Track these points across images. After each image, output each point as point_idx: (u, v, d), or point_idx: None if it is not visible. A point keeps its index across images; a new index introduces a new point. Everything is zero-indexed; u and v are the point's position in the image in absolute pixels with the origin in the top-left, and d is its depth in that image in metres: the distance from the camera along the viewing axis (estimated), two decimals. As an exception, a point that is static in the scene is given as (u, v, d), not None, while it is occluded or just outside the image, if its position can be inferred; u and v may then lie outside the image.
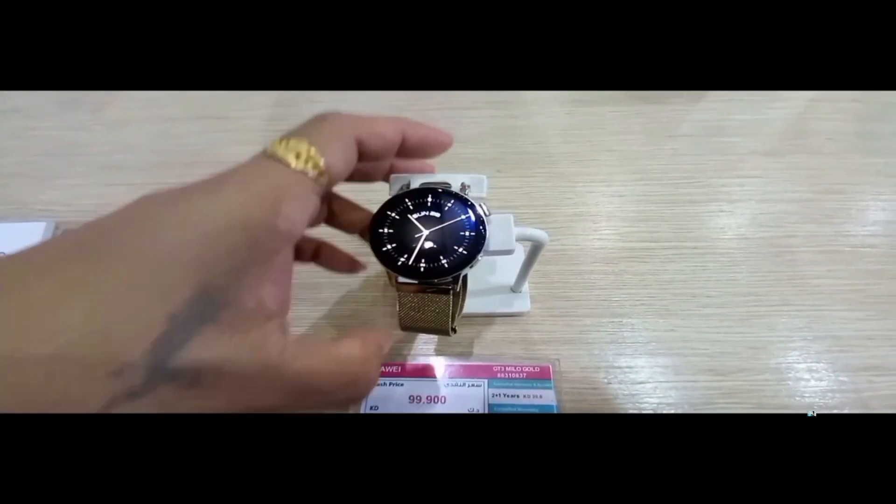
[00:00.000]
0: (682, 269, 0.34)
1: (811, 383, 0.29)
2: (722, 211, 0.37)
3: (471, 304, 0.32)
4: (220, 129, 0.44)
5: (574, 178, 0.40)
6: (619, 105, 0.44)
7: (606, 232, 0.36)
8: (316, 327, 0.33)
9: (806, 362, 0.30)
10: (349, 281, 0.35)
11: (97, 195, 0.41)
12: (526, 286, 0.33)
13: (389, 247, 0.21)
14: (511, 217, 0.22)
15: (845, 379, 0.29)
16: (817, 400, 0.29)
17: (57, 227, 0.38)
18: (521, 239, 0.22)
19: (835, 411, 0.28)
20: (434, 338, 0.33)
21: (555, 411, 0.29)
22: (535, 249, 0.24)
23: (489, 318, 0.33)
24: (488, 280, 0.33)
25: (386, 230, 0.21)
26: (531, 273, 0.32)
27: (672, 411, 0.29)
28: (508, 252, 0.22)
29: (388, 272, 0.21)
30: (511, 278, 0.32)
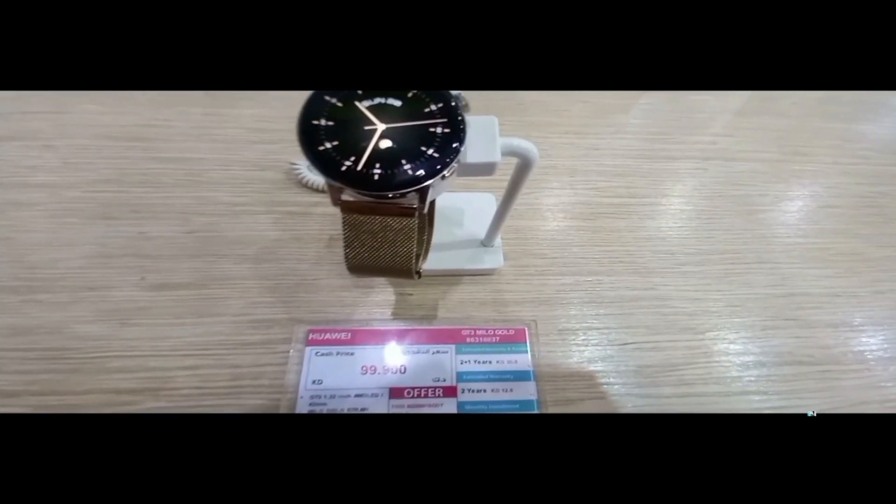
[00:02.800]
0: (661, 225, 0.32)
1: (788, 340, 0.28)
2: (697, 168, 0.35)
3: (435, 260, 0.27)
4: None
5: (546, 129, 0.36)
6: (591, 57, 0.41)
7: (582, 186, 0.33)
8: (242, 288, 0.27)
9: (780, 319, 0.29)
10: (284, 235, 0.29)
11: None
12: (498, 240, 0.28)
13: (329, 145, 0.15)
14: (495, 119, 0.17)
15: (819, 335, 0.28)
16: (792, 357, 0.28)
17: None
18: (506, 152, 0.18)
19: (814, 368, 0.27)
20: (390, 299, 0.28)
21: (531, 378, 0.25)
22: (520, 171, 0.20)
23: (456, 276, 0.28)
24: (454, 232, 0.29)
25: (323, 122, 0.15)
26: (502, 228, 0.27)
27: (654, 371, 0.26)
28: (489, 169, 0.17)
29: (327, 186, 0.16)
30: (481, 230, 0.28)
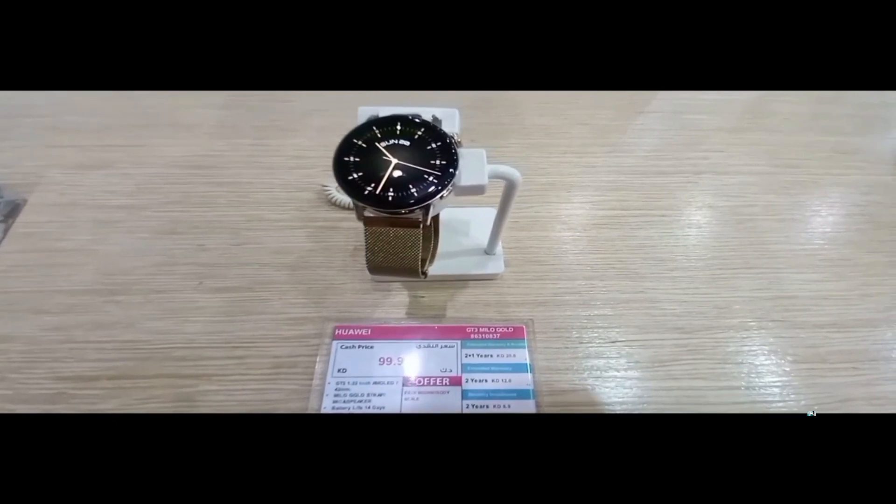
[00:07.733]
0: (651, 235, 0.35)
1: (771, 340, 0.30)
2: (688, 182, 0.38)
3: (443, 266, 0.31)
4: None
5: (548, 149, 0.40)
6: (590, 83, 0.45)
7: (579, 200, 0.37)
8: (281, 291, 0.31)
9: (767, 320, 0.31)
10: (316, 246, 0.34)
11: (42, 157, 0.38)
12: (499, 248, 0.32)
13: (356, 175, 0.20)
14: (483, 151, 0.21)
15: (804, 335, 0.30)
16: (777, 355, 0.30)
17: (-8, 188, 0.34)
18: (493, 176, 0.22)
19: (798, 365, 0.29)
20: (405, 301, 0.32)
21: (528, 371, 0.29)
22: (508, 191, 0.24)
23: (462, 280, 0.32)
24: (461, 242, 0.33)
25: (352, 158, 0.20)
26: (504, 237, 0.31)
27: (641, 368, 0.29)
28: (479, 190, 0.21)
29: (355, 206, 0.20)
30: (484, 240, 0.32)
